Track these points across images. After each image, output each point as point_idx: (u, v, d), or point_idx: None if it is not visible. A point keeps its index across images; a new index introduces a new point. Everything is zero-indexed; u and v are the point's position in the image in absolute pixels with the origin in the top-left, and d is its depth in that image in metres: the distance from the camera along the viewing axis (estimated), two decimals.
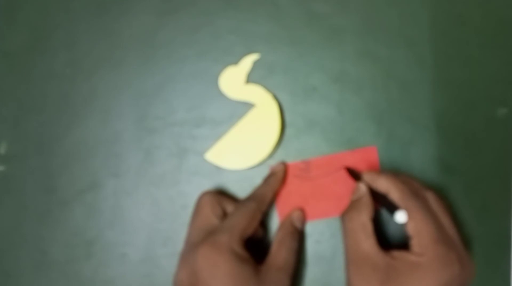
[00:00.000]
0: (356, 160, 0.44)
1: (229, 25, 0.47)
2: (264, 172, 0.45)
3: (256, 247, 0.40)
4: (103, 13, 0.48)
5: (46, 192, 0.47)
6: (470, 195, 0.44)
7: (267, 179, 0.44)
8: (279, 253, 0.40)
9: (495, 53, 0.45)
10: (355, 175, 0.43)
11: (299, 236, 0.44)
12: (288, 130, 0.46)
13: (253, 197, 0.42)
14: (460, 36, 0.45)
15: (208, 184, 0.46)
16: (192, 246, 0.39)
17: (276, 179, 0.44)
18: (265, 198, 0.42)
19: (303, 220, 0.45)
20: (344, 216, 0.40)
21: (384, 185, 0.39)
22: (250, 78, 0.46)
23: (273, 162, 0.45)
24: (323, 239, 0.45)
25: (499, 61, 0.45)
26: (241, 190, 0.45)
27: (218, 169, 0.46)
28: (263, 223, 0.45)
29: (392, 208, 0.38)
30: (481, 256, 0.43)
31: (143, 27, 0.48)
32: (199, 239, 0.39)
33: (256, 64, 0.46)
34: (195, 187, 0.45)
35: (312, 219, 0.44)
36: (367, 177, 0.41)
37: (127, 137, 0.47)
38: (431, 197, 0.39)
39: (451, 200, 0.44)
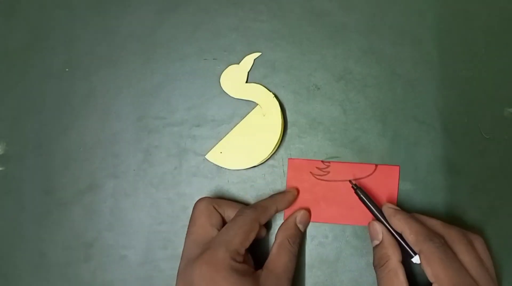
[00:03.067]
0: (376, 175, 0.44)
1: (230, 22, 0.46)
2: (266, 172, 0.44)
3: (257, 246, 0.40)
4: (102, 11, 0.48)
5: (44, 193, 0.46)
6: (477, 196, 0.43)
7: (275, 195, 0.43)
8: (279, 258, 0.39)
9: (502, 51, 0.45)
10: (362, 194, 0.41)
11: (301, 239, 0.43)
12: (290, 130, 0.45)
13: (255, 206, 0.40)
14: (466, 34, 0.45)
15: (208, 185, 0.45)
16: (188, 262, 0.37)
17: (284, 198, 0.43)
18: (266, 210, 0.40)
19: (307, 221, 0.43)
20: (374, 265, 0.40)
21: (399, 224, 0.38)
22: (252, 77, 0.46)
23: (275, 162, 0.45)
24: (326, 242, 0.44)
25: (506, 59, 0.44)
26: (242, 190, 0.45)
27: (218, 170, 0.45)
28: (266, 223, 0.44)
29: (409, 248, 0.38)
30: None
31: (142, 25, 0.47)
32: (195, 254, 0.37)
33: (257, 63, 0.46)
34: (196, 188, 0.45)
35: (318, 221, 0.44)
36: (385, 210, 0.40)
37: (126, 137, 0.46)
38: (458, 239, 0.38)
39: (458, 202, 0.43)
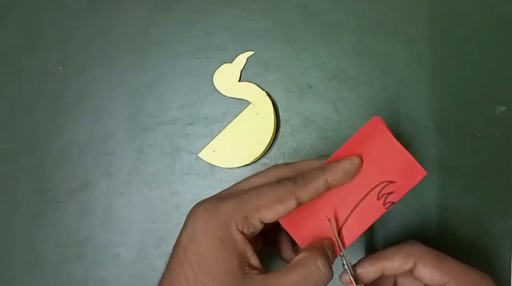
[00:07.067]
0: (364, 139, 0.35)
1: (223, 21, 0.46)
2: (259, 170, 0.44)
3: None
4: (96, 10, 0.48)
5: (38, 191, 0.46)
6: (470, 194, 0.43)
7: (328, 167, 0.33)
8: (292, 273, 0.30)
9: (494, 50, 0.45)
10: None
11: (331, 273, 0.31)
12: (283, 128, 0.45)
13: (293, 175, 0.32)
14: (459, 33, 0.45)
15: (201, 183, 0.45)
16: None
17: (339, 167, 0.32)
18: (310, 183, 0.31)
19: (334, 252, 0.33)
20: None
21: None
22: (245, 76, 0.46)
23: (268, 160, 0.45)
24: None
25: (498, 58, 0.44)
26: None
27: (212, 168, 0.45)
28: None
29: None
30: (481, 256, 0.43)
31: (135, 23, 0.47)
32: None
33: (250, 61, 0.46)
34: (189, 187, 0.45)
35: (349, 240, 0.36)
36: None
37: (119, 135, 0.46)
38: None
39: (450, 200, 0.43)
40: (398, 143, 0.34)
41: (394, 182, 0.34)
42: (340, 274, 0.34)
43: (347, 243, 0.34)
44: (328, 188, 0.32)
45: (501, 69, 0.44)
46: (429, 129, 0.44)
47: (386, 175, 0.34)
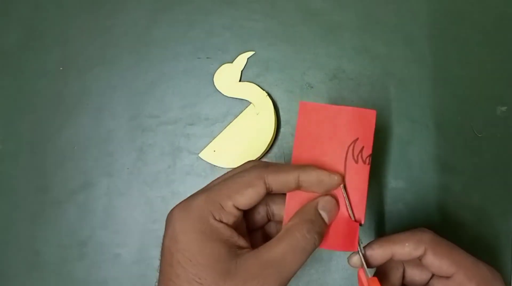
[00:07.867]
0: (308, 127, 0.35)
1: (224, 22, 0.46)
2: None
3: None
4: (96, 10, 0.48)
5: (38, 191, 0.46)
6: (470, 194, 0.43)
7: (305, 167, 0.32)
8: (280, 245, 0.30)
9: (494, 50, 0.45)
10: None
11: (322, 234, 0.32)
12: (283, 128, 0.45)
13: (266, 163, 0.33)
14: (459, 33, 0.45)
15: (202, 184, 0.44)
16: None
17: (314, 173, 0.32)
18: (281, 173, 0.31)
19: (333, 211, 0.33)
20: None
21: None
22: (245, 76, 0.46)
23: (268, 160, 0.45)
24: None
25: (499, 58, 0.44)
26: None
27: (212, 168, 0.45)
28: None
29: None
30: (481, 256, 0.43)
31: (136, 24, 0.47)
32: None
33: (251, 62, 0.46)
34: (189, 187, 0.45)
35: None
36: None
37: (120, 136, 0.46)
38: None
39: (451, 200, 0.43)
40: (334, 106, 0.35)
41: (357, 138, 0.34)
42: (349, 256, 0.35)
43: (362, 218, 0.34)
44: (298, 186, 0.32)
45: (502, 69, 0.44)
46: (429, 129, 0.44)
47: (347, 138, 0.34)
